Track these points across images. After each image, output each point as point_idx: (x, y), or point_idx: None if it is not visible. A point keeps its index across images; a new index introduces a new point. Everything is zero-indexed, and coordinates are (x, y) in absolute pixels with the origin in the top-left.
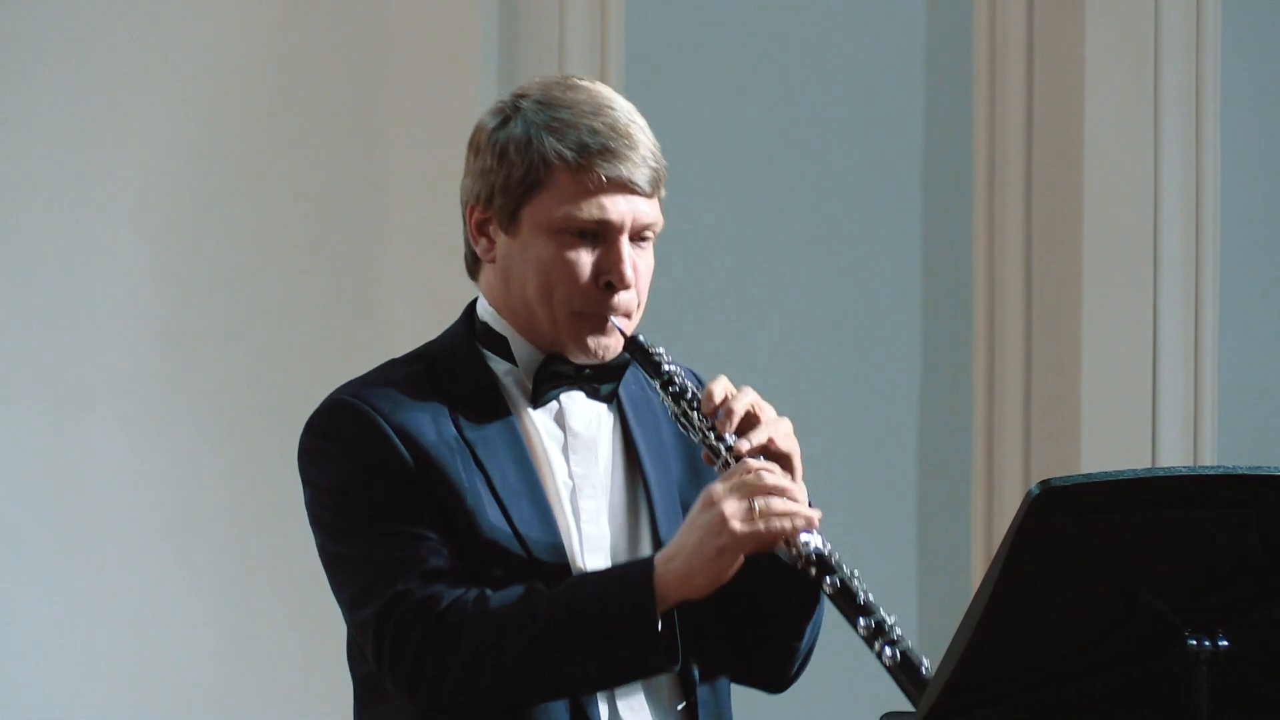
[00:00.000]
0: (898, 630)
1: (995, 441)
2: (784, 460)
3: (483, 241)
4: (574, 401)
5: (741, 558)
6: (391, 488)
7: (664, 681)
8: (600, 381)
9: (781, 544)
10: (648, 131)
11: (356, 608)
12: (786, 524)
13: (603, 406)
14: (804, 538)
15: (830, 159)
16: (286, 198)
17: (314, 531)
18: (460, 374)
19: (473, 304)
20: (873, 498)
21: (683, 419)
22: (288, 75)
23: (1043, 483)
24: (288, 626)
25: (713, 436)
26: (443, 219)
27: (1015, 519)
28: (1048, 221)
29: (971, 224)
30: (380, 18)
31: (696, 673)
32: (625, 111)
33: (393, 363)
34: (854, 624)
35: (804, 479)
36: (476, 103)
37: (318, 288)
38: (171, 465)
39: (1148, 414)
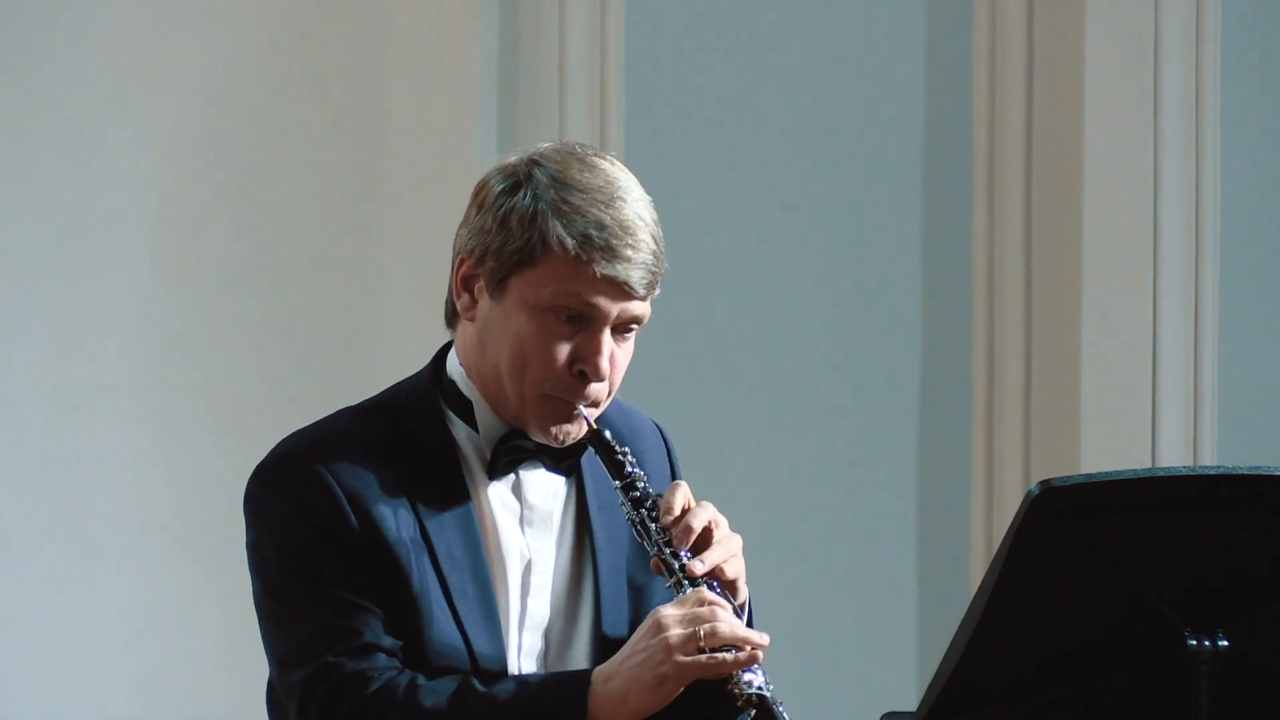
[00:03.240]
0: None
1: (995, 441)
2: (730, 585)
3: (465, 297)
4: (533, 474)
5: (681, 688)
6: (337, 553)
7: None
8: (562, 457)
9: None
10: (655, 228)
11: (286, 669)
12: (729, 658)
13: (561, 479)
14: (747, 676)
15: (830, 159)
16: (287, 198)
17: (252, 579)
18: (420, 434)
19: (443, 354)
20: (873, 498)
21: (639, 526)
22: (288, 76)
23: (1043, 483)
24: None
25: (668, 552)
26: (443, 220)
27: (1015, 519)
28: (1048, 221)
29: (971, 224)
30: (380, 19)
31: None
32: (636, 205)
33: (351, 413)
34: None
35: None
36: (476, 103)
37: (318, 288)
38: (171, 465)
39: (1148, 414)
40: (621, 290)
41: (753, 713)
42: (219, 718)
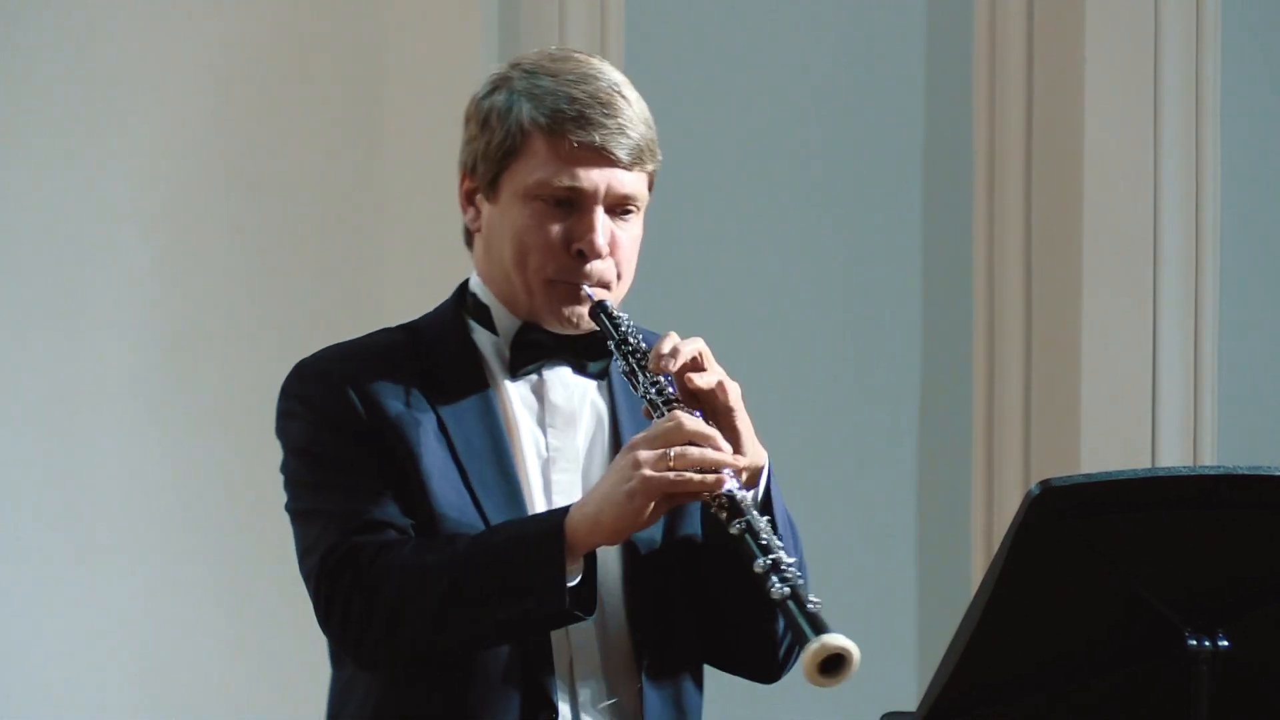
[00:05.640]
0: (793, 569)
1: (995, 441)
2: (725, 415)
3: (470, 211)
4: (557, 375)
5: (652, 505)
6: (345, 444)
7: (621, 666)
8: (587, 358)
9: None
10: (638, 104)
11: (304, 560)
12: (696, 477)
13: (590, 384)
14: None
15: (830, 158)
16: (286, 197)
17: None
18: (442, 343)
19: (467, 281)
20: (873, 498)
21: (631, 377)
22: (288, 74)
23: (1043, 483)
24: (289, 626)
25: (654, 390)
26: (443, 218)
27: (1015, 519)
28: (1048, 221)
29: (971, 224)
30: (380, 16)
31: (646, 661)
32: (611, 81)
33: (379, 331)
34: (751, 563)
35: (760, 450)
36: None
37: (318, 287)
38: (171, 465)
39: (1148, 414)
40: (601, 156)
41: (724, 516)
42: (220, 718)
